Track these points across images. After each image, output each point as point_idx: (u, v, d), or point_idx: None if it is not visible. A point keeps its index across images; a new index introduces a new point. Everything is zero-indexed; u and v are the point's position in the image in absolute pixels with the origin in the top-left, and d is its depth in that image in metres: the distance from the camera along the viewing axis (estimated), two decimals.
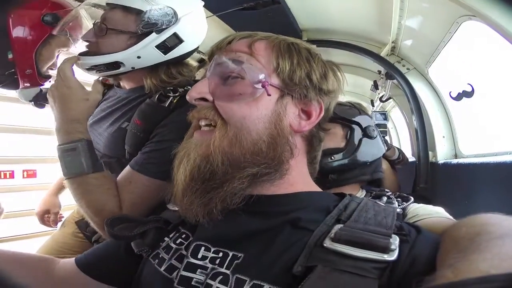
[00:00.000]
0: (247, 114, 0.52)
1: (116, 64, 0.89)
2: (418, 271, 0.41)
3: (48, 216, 1.39)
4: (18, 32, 0.92)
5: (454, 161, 1.64)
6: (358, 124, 0.99)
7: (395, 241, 0.44)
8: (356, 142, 0.98)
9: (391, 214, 0.51)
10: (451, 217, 0.75)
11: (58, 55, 1.05)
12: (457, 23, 1.08)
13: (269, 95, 0.53)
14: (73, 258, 0.65)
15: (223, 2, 1.51)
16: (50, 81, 1.05)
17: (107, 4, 0.92)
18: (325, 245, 0.44)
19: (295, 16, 1.65)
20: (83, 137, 0.82)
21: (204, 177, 0.52)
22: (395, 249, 0.42)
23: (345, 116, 0.99)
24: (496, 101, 1.30)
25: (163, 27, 0.87)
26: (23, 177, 1.66)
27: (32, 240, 1.67)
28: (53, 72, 1.03)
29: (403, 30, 1.42)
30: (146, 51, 0.88)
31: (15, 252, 0.64)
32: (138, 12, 0.86)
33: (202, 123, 0.56)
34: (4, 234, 1.56)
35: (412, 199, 0.87)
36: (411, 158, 2.24)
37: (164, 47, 0.89)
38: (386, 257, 0.41)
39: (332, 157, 0.95)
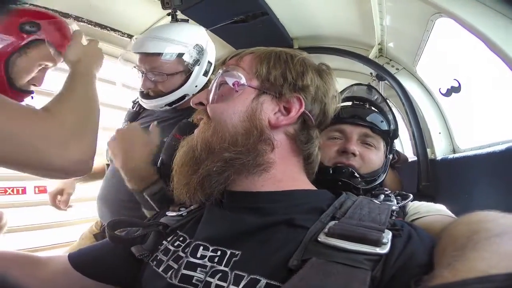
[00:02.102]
0: (224, 110, 0.61)
1: (183, 97, 1.18)
2: (416, 265, 0.43)
3: (60, 196, 1.39)
4: None
5: (453, 156, 1.64)
6: (394, 137, 1.00)
7: (387, 235, 0.46)
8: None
9: (386, 211, 0.55)
10: (452, 214, 0.76)
11: (44, 70, 1.01)
12: (431, 20, 1.11)
13: (236, 91, 0.62)
14: (64, 255, 0.68)
15: (214, 17, 1.59)
16: (31, 97, 1.02)
17: (153, 53, 1.14)
18: (319, 239, 0.47)
19: (284, 25, 1.72)
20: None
21: (189, 162, 0.62)
22: (387, 242, 0.45)
23: (386, 129, 0.97)
24: (483, 93, 1.32)
25: (201, 59, 1.18)
26: (35, 192, 1.75)
27: (47, 253, 1.71)
28: (35, 88, 1.01)
29: (386, 31, 1.46)
30: (199, 80, 1.19)
31: None
32: (179, 55, 1.14)
33: (201, 122, 0.66)
34: (20, 247, 1.61)
35: (411, 196, 0.87)
36: (412, 158, 2.23)
37: (205, 72, 1.20)
38: (378, 250, 0.44)
39: (379, 176, 0.93)
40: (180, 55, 1.15)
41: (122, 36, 1.66)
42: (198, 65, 1.18)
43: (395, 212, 0.79)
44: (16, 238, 1.46)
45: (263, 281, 0.45)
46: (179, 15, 1.42)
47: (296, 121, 0.63)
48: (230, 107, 0.61)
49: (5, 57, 0.89)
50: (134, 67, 1.20)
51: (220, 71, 0.66)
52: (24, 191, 1.70)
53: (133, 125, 1.01)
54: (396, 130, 1.01)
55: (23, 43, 0.90)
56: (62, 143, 0.69)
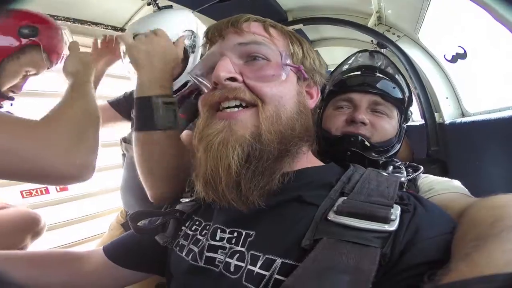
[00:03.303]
0: (283, 93, 0.56)
1: (185, 84, 1.13)
2: (422, 239, 0.42)
3: None
4: None
5: (461, 120, 1.58)
6: (409, 105, 0.91)
7: (396, 211, 0.45)
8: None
9: (394, 183, 0.54)
10: (468, 192, 0.72)
11: (26, 78, 0.97)
12: None
13: (305, 78, 0.60)
14: (100, 249, 0.72)
15: None
16: (11, 104, 0.98)
17: None
18: (329, 218, 0.47)
19: None
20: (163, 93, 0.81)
21: (257, 157, 0.51)
22: (395, 219, 0.44)
23: (399, 97, 0.88)
24: (490, 58, 1.23)
25: (196, 44, 1.13)
26: (57, 191, 1.79)
27: (78, 248, 1.81)
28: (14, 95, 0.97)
29: None
30: None
31: (33, 252, 0.71)
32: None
33: (227, 104, 0.55)
34: (52, 245, 1.68)
35: (422, 168, 0.84)
36: (420, 121, 2.17)
37: (202, 56, 1.12)
38: (387, 227, 0.43)
39: (392, 146, 0.86)
40: None
41: (106, 28, 1.58)
42: (193, 52, 1.12)
43: (405, 184, 0.77)
44: (47, 237, 1.49)
45: (279, 261, 0.46)
46: (162, 1, 1.34)
47: None
48: (286, 90, 0.56)
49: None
50: None
51: (247, 38, 0.57)
52: (47, 190, 1.74)
53: (162, 32, 0.88)
54: (410, 97, 0.92)
55: (19, 47, 0.88)
56: (65, 150, 0.69)
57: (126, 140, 1.28)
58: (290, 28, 0.64)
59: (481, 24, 1.06)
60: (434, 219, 0.47)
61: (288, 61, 0.57)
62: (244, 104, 0.55)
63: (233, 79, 0.55)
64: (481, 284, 0.29)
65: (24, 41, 0.87)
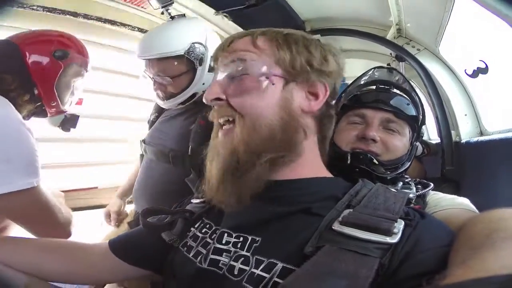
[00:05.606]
0: (258, 104, 0.58)
1: (194, 94, 1.19)
2: (420, 251, 0.44)
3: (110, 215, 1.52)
4: (37, 70, 1.00)
5: (480, 138, 1.54)
6: (422, 123, 0.91)
7: (399, 225, 0.47)
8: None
9: (401, 199, 0.55)
10: (475, 209, 0.73)
11: (73, 84, 1.15)
12: (451, 0, 1.01)
13: (273, 84, 0.58)
14: (106, 242, 0.73)
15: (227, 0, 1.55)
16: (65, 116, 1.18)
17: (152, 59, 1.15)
18: (333, 227, 0.49)
19: (294, 8, 1.65)
20: None
21: (232, 169, 0.58)
22: (398, 232, 0.45)
23: (413, 114, 0.89)
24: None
25: (204, 56, 1.17)
26: None
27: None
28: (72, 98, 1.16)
29: (403, 10, 1.35)
30: (205, 77, 1.18)
31: (38, 240, 0.74)
32: (181, 56, 1.13)
33: (221, 120, 0.62)
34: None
35: (432, 185, 0.85)
36: (436, 140, 2.12)
37: (210, 68, 1.17)
38: (389, 239, 0.45)
39: (402, 164, 0.87)
40: (179, 57, 1.14)
41: (133, 30, 1.66)
42: (201, 65, 1.16)
43: (413, 200, 0.78)
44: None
45: (280, 265, 0.48)
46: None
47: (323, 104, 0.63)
48: (261, 100, 0.58)
49: (54, 83, 1.05)
50: (144, 71, 1.21)
51: (231, 58, 0.61)
52: None
53: None
54: (424, 116, 0.92)
55: (62, 69, 1.05)
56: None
57: (145, 142, 1.32)
58: None
59: (504, 38, 1.04)
60: (434, 232, 0.48)
61: (264, 70, 0.58)
62: (231, 119, 0.60)
63: (218, 99, 0.60)
64: (478, 286, 0.30)
65: (61, 62, 1.04)
